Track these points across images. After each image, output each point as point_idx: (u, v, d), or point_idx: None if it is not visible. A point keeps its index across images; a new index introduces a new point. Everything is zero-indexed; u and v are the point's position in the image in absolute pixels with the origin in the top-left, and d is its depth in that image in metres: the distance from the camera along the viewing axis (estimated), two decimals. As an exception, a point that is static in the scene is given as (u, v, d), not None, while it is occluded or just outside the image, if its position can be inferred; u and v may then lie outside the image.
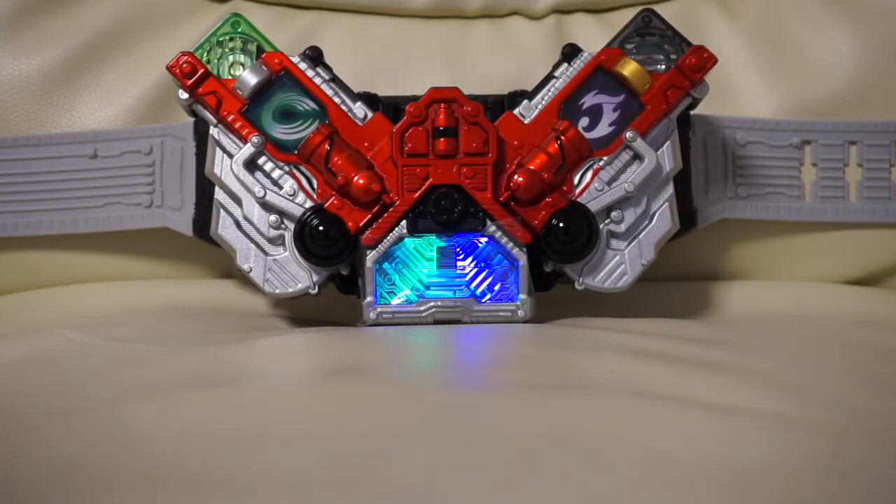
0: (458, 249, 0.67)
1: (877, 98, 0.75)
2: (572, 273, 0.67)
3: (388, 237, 0.66)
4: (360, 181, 0.66)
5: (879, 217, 0.74)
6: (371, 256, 0.66)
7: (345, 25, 0.77)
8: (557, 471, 0.43)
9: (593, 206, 0.67)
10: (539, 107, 0.68)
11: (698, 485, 0.42)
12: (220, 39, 0.69)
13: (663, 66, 0.69)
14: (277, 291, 0.67)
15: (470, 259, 0.67)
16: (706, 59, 0.68)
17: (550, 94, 0.68)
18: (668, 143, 0.68)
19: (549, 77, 0.68)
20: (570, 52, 0.69)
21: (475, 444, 0.45)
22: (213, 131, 0.67)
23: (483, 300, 0.67)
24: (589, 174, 0.67)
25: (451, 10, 0.77)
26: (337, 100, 0.68)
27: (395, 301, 0.67)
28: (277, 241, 0.67)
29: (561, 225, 0.66)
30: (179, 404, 0.50)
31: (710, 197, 0.72)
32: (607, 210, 0.67)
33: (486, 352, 0.61)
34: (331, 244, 0.66)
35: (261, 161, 0.67)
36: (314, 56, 0.68)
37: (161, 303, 0.74)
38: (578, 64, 0.68)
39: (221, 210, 0.67)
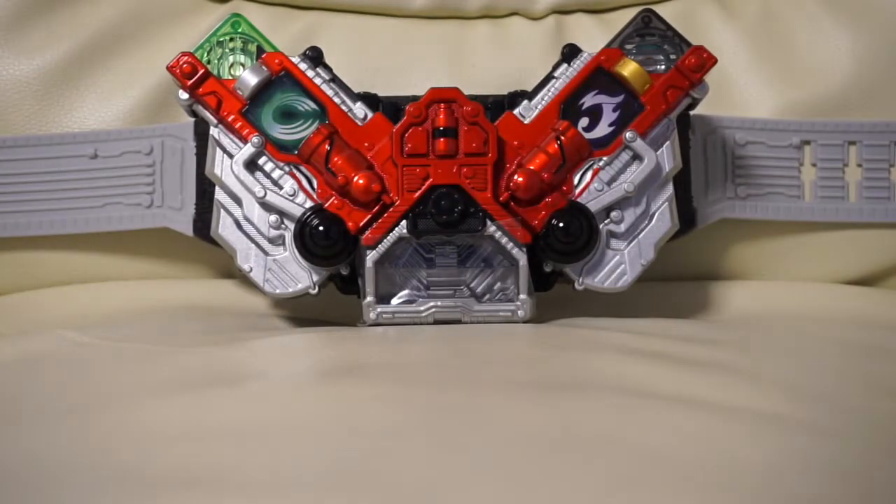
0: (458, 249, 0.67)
1: (877, 98, 0.75)
2: (572, 273, 0.67)
3: (388, 237, 0.66)
4: (360, 181, 0.66)
5: (879, 217, 0.74)
6: (371, 256, 0.66)
7: (345, 25, 0.77)
8: (557, 471, 0.43)
9: (593, 206, 0.67)
10: (539, 107, 0.68)
11: (698, 485, 0.42)
12: (221, 39, 0.69)
13: (663, 67, 0.69)
14: (277, 291, 0.67)
15: (470, 259, 0.67)
16: (706, 60, 0.68)
17: (550, 94, 0.68)
18: (667, 143, 0.68)
19: (549, 77, 0.69)
20: (570, 52, 0.69)
21: (475, 444, 0.45)
22: (213, 131, 0.67)
23: (483, 300, 0.67)
24: (589, 174, 0.67)
25: (451, 10, 0.77)
26: (337, 100, 0.68)
27: (394, 301, 0.67)
28: (277, 241, 0.67)
29: (561, 225, 0.66)
30: (179, 404, 0.50)
31: (710, 197, 0.72)
32: (607, 210, 0.67)
33: (486, 352, 0.61)
34: (331, 244, 0.66)
35: (261, 161, 0.67)
36: (314, 56, 0.68)
37: (161, 303, 0.74)
38: (578, 64, 0.68)
39: (221, 210, 0.67)
